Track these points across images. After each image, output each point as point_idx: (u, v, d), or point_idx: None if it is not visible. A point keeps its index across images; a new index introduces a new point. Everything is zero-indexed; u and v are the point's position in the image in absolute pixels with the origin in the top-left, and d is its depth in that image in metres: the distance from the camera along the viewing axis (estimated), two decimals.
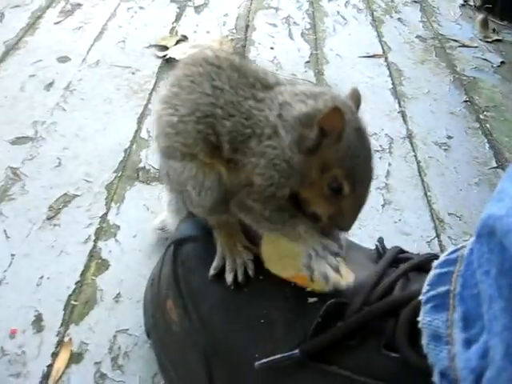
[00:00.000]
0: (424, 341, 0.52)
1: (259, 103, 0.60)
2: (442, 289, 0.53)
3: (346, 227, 0.59)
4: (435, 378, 0.51)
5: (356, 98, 0.62)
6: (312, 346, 0.58)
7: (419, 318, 0.53)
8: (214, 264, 0.65)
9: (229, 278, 0.64)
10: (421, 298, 0.54)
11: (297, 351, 0.57)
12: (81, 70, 1.34)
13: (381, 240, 0.68)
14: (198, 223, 0.70)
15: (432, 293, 0.54)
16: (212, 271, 0.65)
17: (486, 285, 0.48)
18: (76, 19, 1.55)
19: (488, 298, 0.47)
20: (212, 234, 0.68)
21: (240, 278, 0.64)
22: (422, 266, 0.61)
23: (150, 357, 0.76)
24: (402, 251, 0.66)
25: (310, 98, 0.58)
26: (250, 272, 0.65)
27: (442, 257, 0.57)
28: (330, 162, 0.56)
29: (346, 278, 0.62)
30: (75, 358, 0.76)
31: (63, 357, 0.76)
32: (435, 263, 0.57)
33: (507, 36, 1.80)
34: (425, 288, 0.55)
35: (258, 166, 0.58)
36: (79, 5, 1.61)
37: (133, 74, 1.35)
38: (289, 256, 0.64)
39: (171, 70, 1.33)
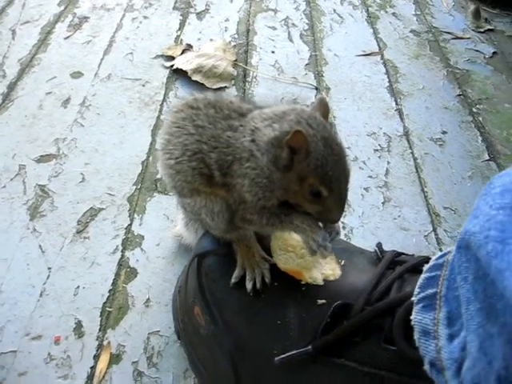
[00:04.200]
0: (416, 336, 0.59)
1: (235, 132, 0.67)
2: (430, 291, 0.60)
3: (335, 221, 0.68)
4: (426, 366, 0.58)
5: (323, 106, 0.68)
6: (323, 343, 0.65)
7: (412, 317, 0.60)
8: (235, 274, 0.73)
9: (249, 286, 0.71)
10: (413, 299, 0.62)
11: (310, 347, 0.65)
12: (94, 84, 1.38)
13: (379, 245, 0.75)
14: (218, 238, 0.77)
15: (422, 295, 0.61)
16: (233, 280, 0.73)
17: (464, 289, 0.55)
18: (84, 33, 1.58)
19: (466, 300, 0.54)
20: (230, 246, 0.76)
21: (258, 285, 0.71)
22: (416, 267, 0.68)
23: (180, 354, 0.84)
24: (398, 254, 0.73)
25: (276, 122, 0.64)
26: (267, 280, 0.72)
27: (431, 261, 0.64)
28: (305, 173, 0.63)
29: (335, 272, 0.72)
30: (114, 359, 0.83)
31: (104, 358, 0.83)
32: (425, 267, 0.64)
33: (499, 25, 1.84)
34: (416, 291, 0.62)
35: (244, 185, 0.66)
36: (86, 18, 1.64)
37: (143, 86, 1.39)
38: (291, 249, 0.73)
39: (179, 79, 1.41)
